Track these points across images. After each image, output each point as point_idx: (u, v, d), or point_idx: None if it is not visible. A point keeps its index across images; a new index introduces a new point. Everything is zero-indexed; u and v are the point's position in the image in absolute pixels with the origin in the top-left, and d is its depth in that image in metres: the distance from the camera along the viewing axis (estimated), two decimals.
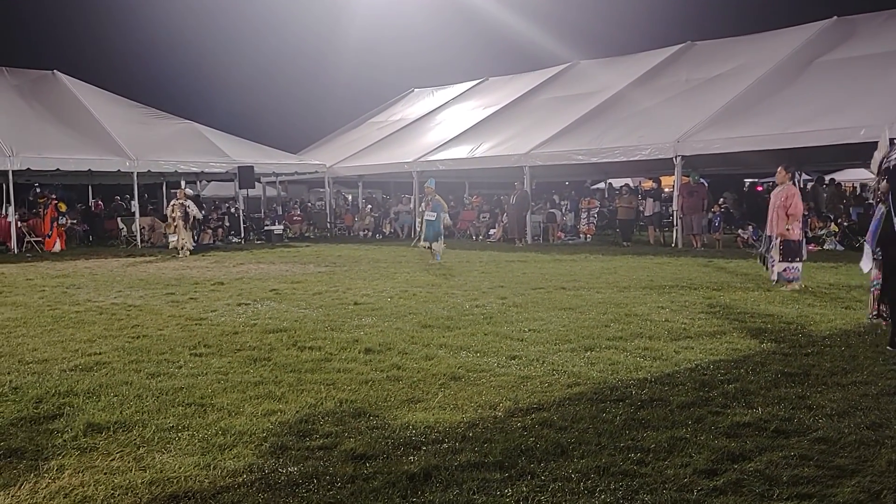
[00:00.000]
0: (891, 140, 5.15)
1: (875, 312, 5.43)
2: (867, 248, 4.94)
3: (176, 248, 17.76)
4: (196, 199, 20.49)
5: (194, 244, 18.68)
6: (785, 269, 9.78)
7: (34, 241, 19.65)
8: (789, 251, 9.81)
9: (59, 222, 20.32)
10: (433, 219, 14.46)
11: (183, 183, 24.73)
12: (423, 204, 15.10)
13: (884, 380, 5.02)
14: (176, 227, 17.85)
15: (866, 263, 5.09)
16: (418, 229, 15.66)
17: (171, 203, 18.61)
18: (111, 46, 58.16)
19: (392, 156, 25.40)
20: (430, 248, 14.51)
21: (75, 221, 23.56)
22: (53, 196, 21.23)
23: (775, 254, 9.89)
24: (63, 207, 21.00)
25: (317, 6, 62.81)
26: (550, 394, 4.90)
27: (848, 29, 19.96)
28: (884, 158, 4.80)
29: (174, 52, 54.43)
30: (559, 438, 3.99)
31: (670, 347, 6.22)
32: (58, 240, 19.93)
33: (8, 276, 13.08)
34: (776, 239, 9.90)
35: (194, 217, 18.21)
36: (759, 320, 7.46)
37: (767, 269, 10.15)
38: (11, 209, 19.83)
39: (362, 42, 59.11)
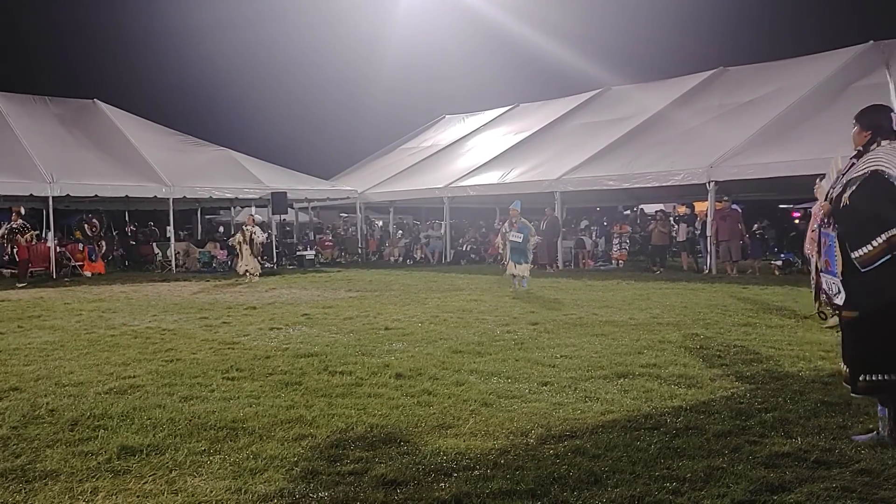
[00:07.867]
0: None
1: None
2: (836, 281, 4.37)
3: (245, 274, 17.75)
4: (262, 226, 20.47)
5: (261, 269, 18.68)
6: None
7: (74, 264, 20.02)
8: None
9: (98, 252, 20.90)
10: (519, 240, 13.82)
11: (253, 209, 25.00)
12: (506, 225, 14.35)
13: None
14: (242, 253, 17.94)
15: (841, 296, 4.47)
16: (501, 252, 14.96)
17: (240, 229, 18.62)
18: (151, 77, 59.78)
19: (423, 182, 25.54)
20: (514, 275, 13.89)
21: (116, 249, 24.13)
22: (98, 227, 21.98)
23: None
24: (103, 245, 21.69)
25: (352, 36, 63.97)
26: (583, 421, 4.84)
27: (885, 53, 19.72)
28: (830, 188, 4.51)
29: (211, 82, 55.57)
30: (592, 467, 3.93)
31: (705, 375, 6.11)
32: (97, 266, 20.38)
33: (47, 301, 13.33)
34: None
35: (259, 243, 18.27)
36: (797, 348, 7.31)
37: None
38: (51, 234, 20.27)
39: (395, 70, 59.87)
